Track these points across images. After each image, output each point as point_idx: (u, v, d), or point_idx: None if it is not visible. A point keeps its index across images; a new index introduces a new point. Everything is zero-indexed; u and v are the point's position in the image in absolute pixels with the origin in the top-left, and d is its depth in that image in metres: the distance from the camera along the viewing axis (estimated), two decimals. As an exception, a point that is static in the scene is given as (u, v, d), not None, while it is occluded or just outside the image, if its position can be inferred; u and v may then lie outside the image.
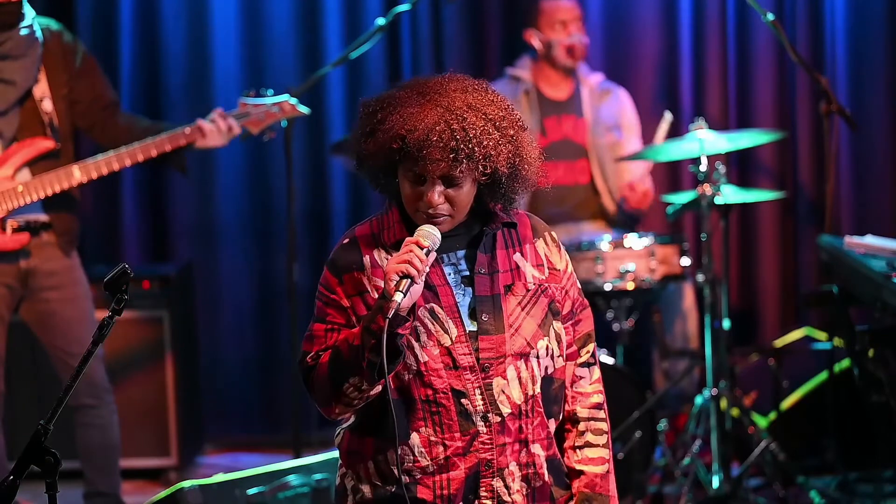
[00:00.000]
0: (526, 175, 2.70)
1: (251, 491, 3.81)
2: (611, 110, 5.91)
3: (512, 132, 2.66)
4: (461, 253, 2.73)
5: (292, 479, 3.88)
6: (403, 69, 6.43)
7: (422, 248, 2.59)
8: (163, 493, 3.74)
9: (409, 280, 2.56)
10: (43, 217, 4.59)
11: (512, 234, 2.77)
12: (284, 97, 4.87)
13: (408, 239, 2.62)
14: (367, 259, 2.71)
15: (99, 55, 6.19)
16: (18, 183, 4.51)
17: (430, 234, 2.62)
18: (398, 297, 2.55)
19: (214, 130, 4.69)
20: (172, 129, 4.69)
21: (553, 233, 2.84)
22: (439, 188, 2.63)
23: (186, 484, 3.70)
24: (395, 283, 2.56)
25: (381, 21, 5.42)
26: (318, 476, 3.92)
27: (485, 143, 2.60)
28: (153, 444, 5.77)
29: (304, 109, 4.89)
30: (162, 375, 5.78)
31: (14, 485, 2.66)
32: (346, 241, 2.75)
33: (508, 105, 2.70)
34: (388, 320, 2.54)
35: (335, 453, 4.00)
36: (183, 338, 5.92)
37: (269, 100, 4.85)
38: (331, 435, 6.55)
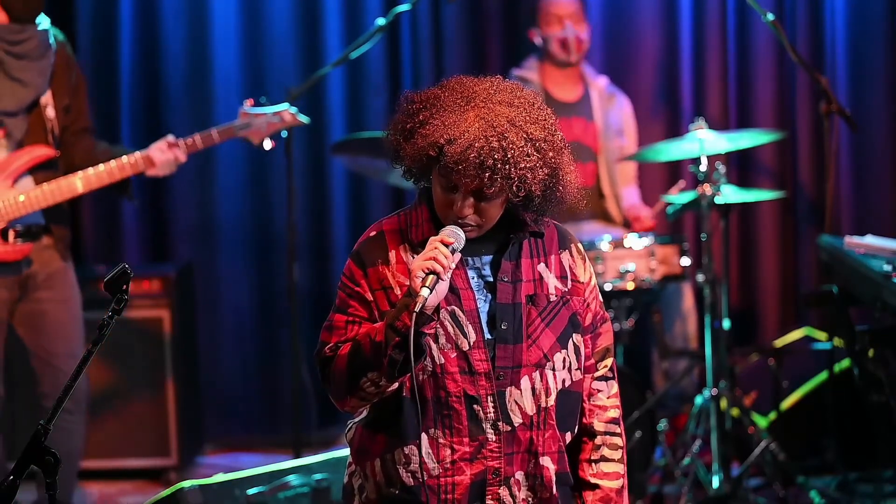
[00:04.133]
0: (560, 197, 2.66)
1: (251, 491, 3.81)
2: (617, 115, 5.92)
3: (552, 154, 2.61)
4: (486, 258, 2.71)
5: (292, 479, 3.88)
6: (403, 69, 6.43)
7: (447, 246, 2.58)
8: (163, 493, 3.73)
9: (436, 277, 2.55)
10: (42, 222, 4.60)
11: (538, 243, 2.75)
12: (285, 106, 4.86)
13: (432, 238, 2.60)
14: (392, 254, 2.69)
15: (99, 55, 6.23)
16: (20, 192, 4.51)
17: (455, 233, 2.60)
18: (425, 292, 2.53)
19: (163, 161, 4.67)
20: (123, 154, 4.66)
21: (580, 244, 2.82)
22: (470, 200, 2.61)
23: (186, 484, 3.70)
24: (420, 279, 2.55)
25: (381, 21, 5.42)
26: (318, 476, 3.91)
27: (522, 165, 2.57)
28: (153, 444, 5.77)
29: (304, 119, 4.88)
30: (162, 375, 5.77)
31: (14, 485, 2.66)
32: (372, 233, 2.73)
33: (552, 124, 2.65)
34: (415, 316, 2.53)
35: (335, 453, 4.01)
36: (183, 338, 5.91)
37: (270, 109, 4.83)
38: (331, 435, 6.56)
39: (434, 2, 6.39)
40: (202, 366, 6.36)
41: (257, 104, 4.86)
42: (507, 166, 2.55)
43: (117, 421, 5.73)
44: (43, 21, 4.58)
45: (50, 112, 4.59)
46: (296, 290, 5.40)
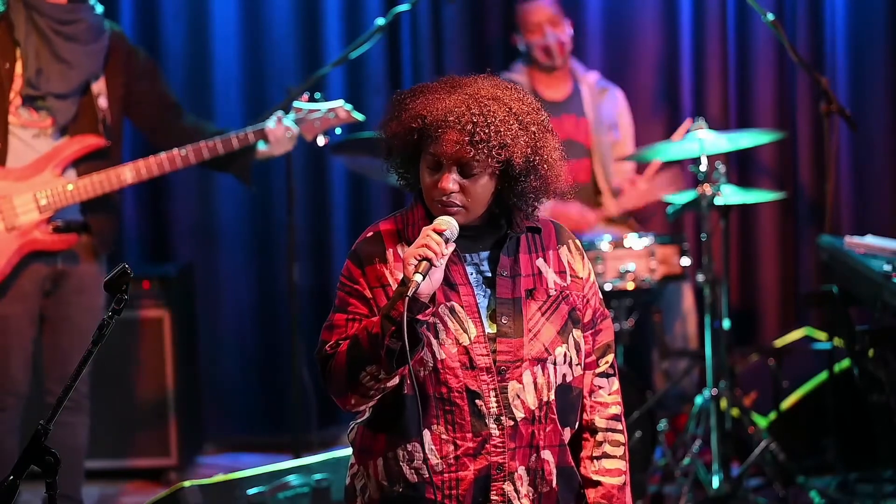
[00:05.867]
0: (545, 175, 2.68)
1: (251, 491, 3.82)
2: (609, 109, 5.92)
3: (534, 128, 2.66)
4: (484, 254, 2.73)
5: (292, 479, 3.89)
6: (403, 69, 6.43)
7: (439, 235, 2.59)
8: (163, 493, 3.75)
9: (428, 263, 2.56)
10: (80, 218, 4.57)
11: (536, 239, 2.77)
12: (339, 103, 4.80)
13: (425, 227, 2.62)
14: (389, 252, 2.71)
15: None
16: (68, 181, 4.48)
17: (448, 222, 2.62)
18: (418, 277, 2.54)
19: (281, 135, 4.64)
20: (236, 133, 4.64)
21: (577, 241, 2.84)
22: (454, 176, 2.63)
23: (186, 484, 3.71)
24: (413, 266, 2.56)
25: (381, 21, 5.42)
26: (318, 476, 3.92)
27: (503, 130, 2.61)
28: (153, 444, 5.77)
29: (358, 116, 4.82)
30: (162, 375, 5.77)
31: (14, 485, 2.66)
32: (369, 234, 2.75)
33: (537, 107, 2.70)
34: (408, 301, 2.53)
35: (335, 453, 4.02)
36: (183, 338, 5.91)
37: (324, 105, 4.77)
38: (331, 435, 6.55)
39: (434, 2, 6.39)
40: (202, 366, 6.36)
41: (311, 100, 4.81)
42: (487, 130, 2.59)
43: (117, 421, 5.73)
44: (97, 6, 4.55)
45: (102, 102, 4.54)
46: (296, 289, 5.40)
